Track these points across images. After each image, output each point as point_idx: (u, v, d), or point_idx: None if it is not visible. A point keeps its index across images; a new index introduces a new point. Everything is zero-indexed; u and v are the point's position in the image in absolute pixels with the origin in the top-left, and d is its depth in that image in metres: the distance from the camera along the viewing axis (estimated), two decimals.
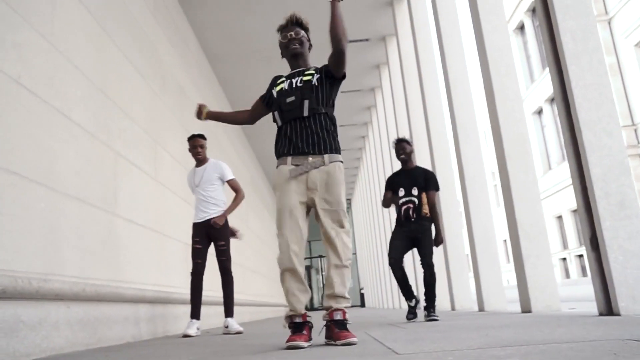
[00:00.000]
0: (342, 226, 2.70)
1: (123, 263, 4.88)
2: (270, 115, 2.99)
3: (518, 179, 4.74)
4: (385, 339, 2.57)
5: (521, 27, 25.30)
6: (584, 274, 20.75)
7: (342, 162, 2.84)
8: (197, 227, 5.01)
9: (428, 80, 7.77)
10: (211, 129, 9.47)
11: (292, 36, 2.94)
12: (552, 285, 4.62)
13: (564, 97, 3.59)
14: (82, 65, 4.35)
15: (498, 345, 1.83)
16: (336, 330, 2.52)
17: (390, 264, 4.80)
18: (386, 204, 5.09)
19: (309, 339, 2.59)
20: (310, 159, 2.73)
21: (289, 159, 2.77)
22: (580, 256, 21.48)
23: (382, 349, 2.05)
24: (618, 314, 3.21)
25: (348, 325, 2.57)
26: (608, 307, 3.32)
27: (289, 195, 2.72)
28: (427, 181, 4.92)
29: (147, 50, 6.23)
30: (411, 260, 8.84)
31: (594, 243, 3.40)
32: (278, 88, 2.94)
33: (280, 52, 3.05)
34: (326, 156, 2.76)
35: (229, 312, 4.99)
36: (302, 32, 2.98)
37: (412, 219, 4.78)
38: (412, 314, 4.75)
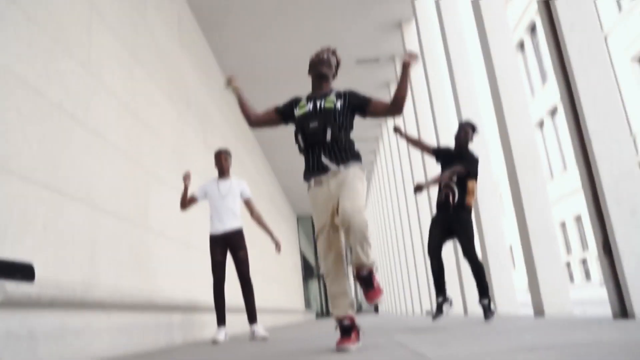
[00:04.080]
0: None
1: (154, 273, 4.90)
2: (291, 133, 3.00)
3: (528, 185, 4.66)
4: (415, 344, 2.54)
5: (521, 45, 25.13)
6: (588, 278, 20.42)
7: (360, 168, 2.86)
8: (216, 238, 4.83)
9: (437, 97, 7.78)
10: (233, 145, 9.52)
11: (324, 58, 3.01)
12: (564, 288, 4.55)
13: (572, 109, 3.55)
14: (115, 90, 4.41)
15: (526, 349, 1.79)
16: None
17: (428, 254, 4.43)
18: (419, 146, 4.77)
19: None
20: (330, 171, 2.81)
21: (312, 180, 2.86)
22: (584, 261, 21.14)
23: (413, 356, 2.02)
24: (633, 317, 3.15)
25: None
26: (622, 310, 3.26)
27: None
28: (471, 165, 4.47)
29: (173, 74, 6.30)
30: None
31: (607, 248, 3.34)
32: (301, 111, 2.93)
33: (308, 69, 3.09)
34: (342, 166, 2.80)
35: (252, 319, 4.89)
36: (334, 60, 3.08)
37: (450, 209, 4.36)
38: (439, 311, 4.29)
